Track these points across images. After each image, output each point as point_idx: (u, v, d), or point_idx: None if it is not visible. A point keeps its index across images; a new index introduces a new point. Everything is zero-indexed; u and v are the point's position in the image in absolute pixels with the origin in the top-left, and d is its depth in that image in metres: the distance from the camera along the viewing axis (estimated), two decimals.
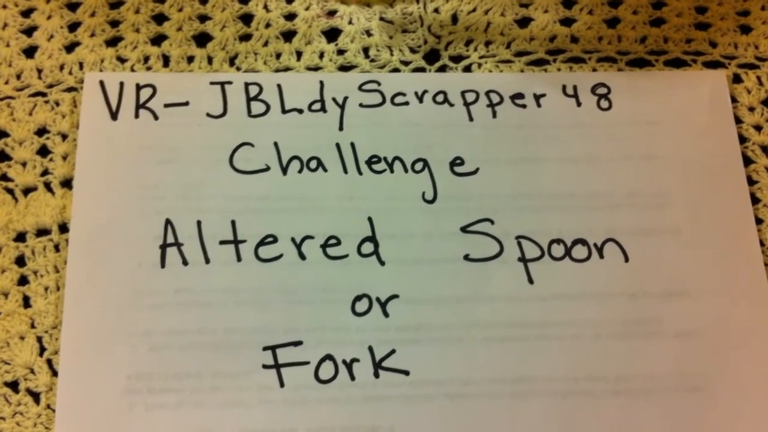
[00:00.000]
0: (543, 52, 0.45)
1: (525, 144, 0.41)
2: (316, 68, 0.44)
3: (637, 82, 0.43)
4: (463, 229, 0.39)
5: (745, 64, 0.45)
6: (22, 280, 0.40)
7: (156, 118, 0.42)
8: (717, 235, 0.40)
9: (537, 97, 0.42)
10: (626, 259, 0.39)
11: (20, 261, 0.40)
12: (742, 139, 0.43)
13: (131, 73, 0.44)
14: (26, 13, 0.45)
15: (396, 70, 0.44)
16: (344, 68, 0.44)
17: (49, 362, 0.38)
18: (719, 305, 0.39)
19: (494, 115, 0.42)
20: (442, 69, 0.44)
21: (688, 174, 0.41)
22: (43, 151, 0.42)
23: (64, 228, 0.40)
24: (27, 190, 0.41)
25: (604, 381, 0.37)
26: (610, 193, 0.40)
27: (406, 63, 0.44)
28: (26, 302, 0.39)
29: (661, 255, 0.39)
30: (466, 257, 0.39)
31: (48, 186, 0.41)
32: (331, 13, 0.45)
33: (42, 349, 0.38)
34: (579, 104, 0.42)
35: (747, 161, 0.42)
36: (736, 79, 0.44)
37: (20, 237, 0.40)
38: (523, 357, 0.37)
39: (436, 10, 0.46)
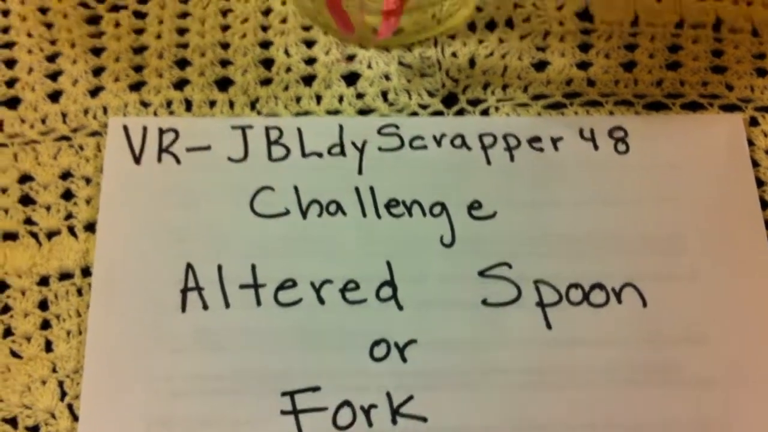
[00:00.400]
0: (560, 96, 0.45)
1: (543, 187, 0.41)
2: (336, 112, 0.44)
3: (654, 125, 0.43)
4: (481, 273, 0.39)
5: (762, 107, 0.44)
6: (45, 324, 0.39)
7: (178, 162, 0.42)
8: (735, 279, 0.39)
9: (554, 141, 0.42)
10: (644, 305, 0.39)
11: (43, 305, 0.39)
12: (759, 183, 0.42)
13: (154, 118, 0.44)
14: (51, 58, 0.46)
15: (414, 113, 0.44)
16: (363, 112, 0.44)
17: (70, 407, 0.38)
18: (738, 351, 0.38)
19: (512, 158, 0.42)
20: (460, 112, 0.44)
21: (705, 218, 0.40)
22: (67, 195, 0.42)
23: (86, 272, 0.40)
24: (51, 234, 0.41)
25: (623, 428, 0.37)
26: (628, 237, 0.40)
27: (424, 107, 0.44)
28: (48, 346, 0.39)
29: (679, 300, 0.39)
30: (484, 302, 0.39)
31: (71, 230, 0.41)
32: (350, 58, 0.45)
33: (63, 394, 0.38)
34: (596, 147, 0.42)
35: (764, 205, 0.42)
36: (753, 122, 0.44)
37: (43, 281, 0.40)
38: (541, 403, 0.37)
39: (454, 54, 0.46)
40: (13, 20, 0.47)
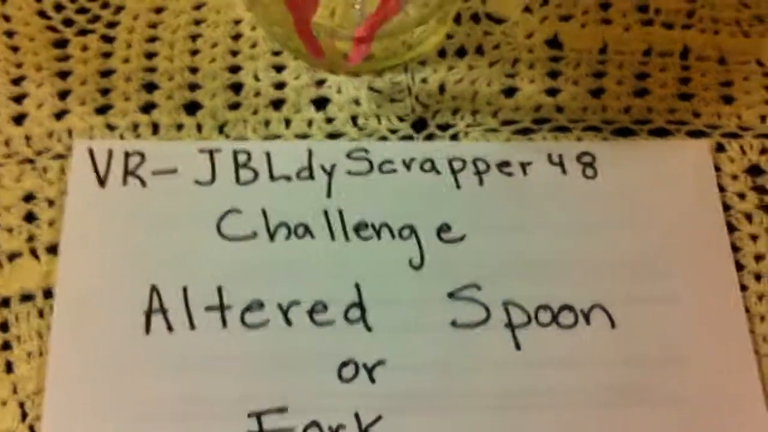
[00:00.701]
0: (529, 122, 0.45)
1: (512, 211, 0.42)
2: (305, 136, 0.45)
3: (622, 151, 0.44)
4: (450, 295, 0.39)
5: (728, 134, 0.45)
6: (5, 346, 0.39)
7: (144, 185, 0.42)
8: (703, 302, 0.40)
9: (523, 166, 0.43)
10: (613, 326, 0.39)
11: (3, 327, 0.39)
12: (726, 207, 0.43)
13: (120, 141, 0.44)
14: (16, 81, 0.45)
15: (384, 138, 0.44)
16: (333, 136, 0.45)
17: (31, 429, 0.38)
18: (707, 372, 0.38)
19: (481, 182, 0.42)
20: (430, 137, 0.45)
21: (673, 242, 0.41)
22: (29, 217, 0.42)
23: (48, 293, 0.40)
24: (12, 256, 0.41)
25: None
26: (597, 261, 0.40)
27: (393, 131, 0.45)
28: (8, 367, 0.38)
29: (647, 321, 0.39)
30: (453, 323, 0.39)
31: (33, 252, 0.41)
32: (320, 83, 0.46)
33: (24, 415, 0.38)
34: (565, 172, 0.43)
35: (731, 228, 0.42)
36: (720, 148, 0.45)
37: (4, 302, 0.40)
38: (511, 426, 0.37)
39: (424, 80, 0.46)
40: None
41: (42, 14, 0.48)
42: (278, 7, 0.43)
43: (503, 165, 0.43)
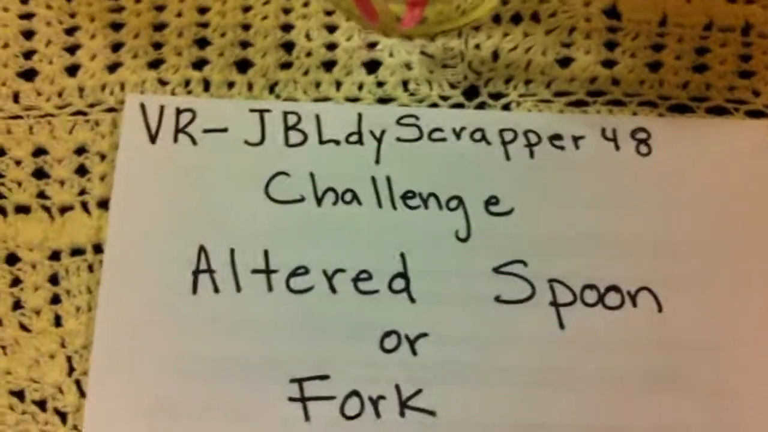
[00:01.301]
0: (583, 94, 0.45)
1: (562, 186, 0.42)
2: (355, 99, 0.45)
3: (678, 128, 0.43)
4: (496, 270, 0.40)
5: None
6: (55, 299, 0.40)
7: (194, 143, 0.42)
8: (752, 287, 0.40)
9: (575, 139, 0.43)
10: (660, 309, 0.39)
11: (53, 279, 0.40)
12: None
13: (172, 97, 0.44)
14: (70, 31, 0.46)
15: (435, 104, 0.45)
16: (383, 100, 0.45)
17: (77, 383, 0.39)
18: (752, 359, 0.38)
19: (532, 155, 0.42)
20: (481, 106, 0.45)
21: (725, 224, 0.41)
22: (81, 171, 0.43)
23: (98, 248, 0.41)
24: (63, 209, 0.42)
25: None
26: (646, 240, 0.41)
27: (445, 98, 0.45)
28: (57, 321, 0.40)
29: (694, 306, 0.39)
30: (497, 299, 0.39)
31: (84, 206, 0.42)
32: (372, 45, 0.46)
33: (71, 369, 0.39)
34: (618, 148, 0.43)
35: None
36: None
37: (54, 255, 0.41)
38: (551, 403, 0.38)
39: (477, 47, 0.46)
40: None
41: None
42: None
43: (555, 138, 0.43)
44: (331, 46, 0.47)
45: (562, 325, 0.39)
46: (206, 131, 0.43)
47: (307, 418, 0.37)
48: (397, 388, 0.38)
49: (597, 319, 0.39)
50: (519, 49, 0.47)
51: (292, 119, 0.43)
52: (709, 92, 0.46)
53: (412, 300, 0.39)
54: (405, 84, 0.46)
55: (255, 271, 0.40)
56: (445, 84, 0.46)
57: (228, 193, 0.41)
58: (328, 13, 0.48)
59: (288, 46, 0.47)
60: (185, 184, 0.41)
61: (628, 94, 0.46)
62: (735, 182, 0.42)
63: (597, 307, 0.39)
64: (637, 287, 0.40)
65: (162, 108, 0.43)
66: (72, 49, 0.46)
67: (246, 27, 0.47)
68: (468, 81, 0.46)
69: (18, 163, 0.43)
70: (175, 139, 0.43)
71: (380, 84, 0.46)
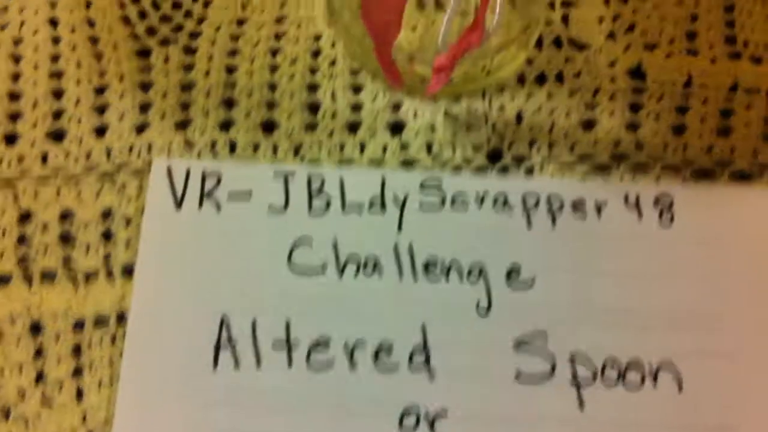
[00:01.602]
0: (607, 157, 0.44)
1: (583, 257, 0.40)
2: (379, 162, 0.43)
3: (702, 197, 0.42)
4: (516, 344, 0.38)
5: None
6: (77, 371, 0.39)
7: (219, 209, 0.41)
8: None
9: (598, 207, 0.41)
10: (680, 389, 0.37)
11: (76, 350, 0.39)
12: None
13: (198, 161, 0.43)
14: (99, 90, 0.45)
15: (458, 167, 0.43)
16: (406, 162, 0.44)
17: None
18: None
19: (554, 223, 0.41)
20: (504, 169, 0.43)
21: (748, 296, 0.39)
22: (107, 236, 0.42)
23: (121, 318, 0.40)
24: (88, 276, 0.41)
25: None
26: (668, 313, 0.39)
27: (468, 161, 0.43)
28: (79, 395, 0.39)
29: (716, 383, 0.37)
30: (518, 376, 0.38)
31: (109, 273, 0.41)
32: (397, 106, 0.44)
33: None
34: (641, 216, 0.41)
35: None
36: None
37: (78, 325, 0.40)
38: None
39: (501, 108, 0.44)
40: (64, 48, 0.46)
41: (126, 21, 0.47)
42: (358, 26, 0.42)
43: (578, 204, 0.42)
44: (356, 107, 0.45)
45: (582, 406, 0.37)
46: (231, 195, 0.42)
47: None
48: None
49: (617, 400, 0.38)
50: (543, 111, 0.45)
51: (315, 183, 0.42)
52: (733, 156, 0.44)
53: (432, 376, 0.38)
54: (429, 146, 0.44)
55: (276, 344, 0.38)
56: (468, 147, 0.44)
57: (252, 261, 0.40)
58: (354, 72, 0.46)
59: (313, 107, 0.45)
60: (209, 251, 0.40)
61: (652, 158, 0.44)
62: (761, 252, 0.40)
63: (617, 388, 0.38)
64: (659, 362, 0.38)
65: (188, 171, 0.42)
66: (101, 109, 0.45)
67: (272, 86, 0.46)
68: (491, 144, 0.44)
69: (45, 227, 0.42)
70: (200, 205, 0.41)
71: (404, 146, 0.44)
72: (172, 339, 0.39)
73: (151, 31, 0.48)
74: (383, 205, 0.42)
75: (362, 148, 0.45)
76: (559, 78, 0.46)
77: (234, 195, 0.42)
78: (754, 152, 0.44)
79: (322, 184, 0.43)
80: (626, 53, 0.47)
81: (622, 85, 0.46)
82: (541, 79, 0.46)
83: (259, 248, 0.41)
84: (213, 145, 0.44)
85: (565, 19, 0.47)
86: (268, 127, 0.45)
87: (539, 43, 0.47)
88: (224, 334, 0.39)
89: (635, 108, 0.46)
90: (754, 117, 0.45)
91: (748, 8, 0.47)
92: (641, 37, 0.47)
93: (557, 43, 0.47)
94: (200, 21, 0.48)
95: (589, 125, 0.45)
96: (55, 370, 0.40)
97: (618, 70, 0.46)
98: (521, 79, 0.46)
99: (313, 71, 0.47)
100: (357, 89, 0.46)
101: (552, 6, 0.48)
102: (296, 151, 0.44)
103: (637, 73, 0.46)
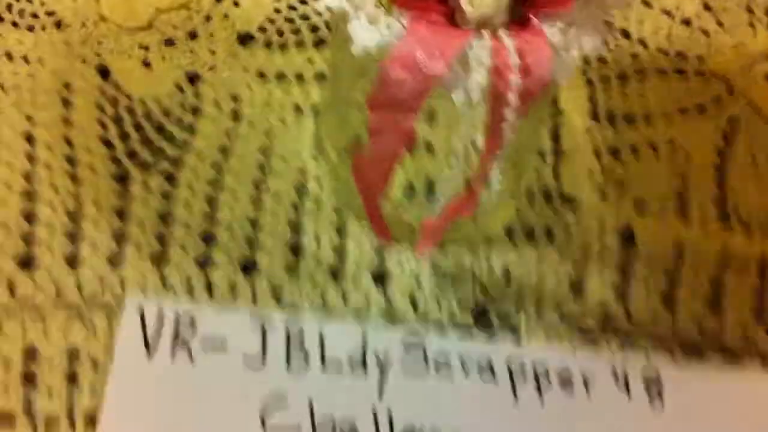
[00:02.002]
0: (595, 325, 0.41)
1: None
2: (361, 313, 0.41)
3: (692, 377, 0.40)
4: None
5: None
6: None
7: (192, 360, 0.38)
8: None
9: (586, 381, 0.39)
10: None
11: None
12: None
13: (172, 304, 0.41)
14: (74, 215, 0.42)
15: (443, 325, 0.40)
16: (390, 316, 0.41)
17: None
18: None
19: (541, 398, 0.39)
20: (490, 329, 0.41)
21: None
22: (71, 377, 0.38)
23: None
24: (49, 421, 0.37)
25: None
26: None
27: (453, 319, 0.41)
28: None
29: None
30: None
31: (71, 420, 0.37)
32: (382, 251, 0.42)
33: None
34: (629, 396, 0.39)
35: None
36: None
37: None
38: None
39: (489, 263, 0.42)
40: (39, 168, 0.43)
41: (106, 142, 0.44)
42: (345, 167, 0.40)
43: (565, 377, 0.39)
44: (340, 251, 0.43)
45: None
46: (205, 343, 0.39)
47: None
48: None
49: None
50: (531, 270, 0.43)
51: (295, 336, 0.39)
52: (723, 332, 0.42)
53: None
54: (413, 300, 0.42)
55: None
56: (454, 303, 0.42)
57: (224, 420, 0.37)
58: (339, 213, 0.44)
59: (296, 249, 0.42)
60: (179, 407, 0.38)
61: (641, 329, 0.42)
62: None
63: None
64: None
65: (161, 313, 0.40)
66: (74, 237, 0.42)
67: (254, 223, 0.43)
68: (478, 302, 0.42)
69: (6, 363, 0.38)
70: (173, 354, 0.39)
71: (388, 298, 0.41)
72: None
73: (131, 155, 0.45)
74: (364, 364, 0.39)
75: (345, 297, 0.42)
76: (549, 234, 0.44)
77: (209, 342, 0.40)
78: (744, 329, 0.42)
79: (302, 337, 0.40)
80: (616, 212, 0.45)
81: (612, 247, 0.44)
82: (530, 234, 0.44)
83: (232, 405, 0.38)
84: (189, 282, 0.41)
85: (555, 171, 0.45)
86: (248, 267, 0.42)
87: (529, 196, 0.45)
88: None
89: (625, 273, 0.43)
90: (745, 290, 0.43)
91: (739, 173, 0.46)
92: (631, 195, 0.45)
93: (547, 196, 0.45)
94: (183, 147, 0.45)
95: (577, 288, 0.43)
96: None
97: (608, 230, 0.45)
98: (509, 232, 0.44)
99: (296, 208, 0.44)
100: (341, 230, 0.44)
101: (543, 157, 0.46)
102: (275, 295, 0.42)
103: (627, 235, 0.44)
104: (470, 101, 0.29)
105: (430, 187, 0.43)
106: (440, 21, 0.29)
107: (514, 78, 0.28)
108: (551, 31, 0.30)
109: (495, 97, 0.29)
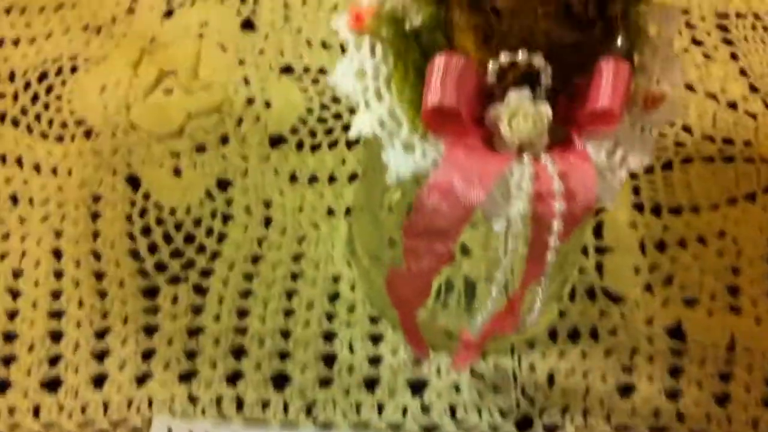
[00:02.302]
0: (645, 429, 0.38)
1: None
2: (398, 426, 0.38)
3: None
4: None
5: None
6: None
7: None
8: None
9: None
10: None
11: None
12: None
13: (201, 422, 0.38)
14: (100, 334, 0.40)
15: None
16: (427, 429, 0.38)
17: None
18: None
19: None
20: None
21: None
22: None
23: None
24: None
25: None
26: None
27: (495, 429, 0.38)
28: None
29: None
30: None
31: None
32: (419, 360, 0.39)
33: None
34: None
35: None
36: None
37: None
38: None
39: (532, 368, 0.40)
40: (66, 284, 0.42)
41: (134, 254, 0.43)
42: (379, 273, 0.39)
43: None
44: (375, 360, 0.40)
45: None
46: None
47: None
48: None
49: None
50: (576, 373, 0.40)
51: None
52: None
53: None
54: (452, 409, 0.39)
55: None
56: (495, 411, 0.40)
57: None
58: (374, 320, 0.41)
59: (329, 359, 0.40)
60: None
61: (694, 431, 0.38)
62: None
63: None
64: None
65: None
66: (101, 356, 0.40)
67: (286, 334, 0.41)
68: (521, 409, 0.39)
69: None
70: None
71: (425, 408, 0.39)
72: None
73: (160, 267, 0.43)
74: None
75: (380, 409, 0.40)
76: (594, 334, 0.42)
77: None
78: None
79: None
80: (664, 309, 0.42)
81: (661, 346, 0.42)
82: (574, 335, 0.42)
83: None
84: (219, 401, 0.40)
85: (599, 268, 0.43)
86: (279, 381, 0.40)
87: (572, 294, 0.42)
88: None
89: (675, 372, 0.41)
90: None
91: None
92: (680, 290, 0.43)
93: (591, 293, 0.42)
94: (214, 256, 0.43)
95: (626, 391, 0.40)
96: None
97: (656, 328, 0.42)
98: (553, 334, 0.42)
99: (330, 317, 0.42)
100: (376, 339, 0.41)
101: (585, 252, 0.43)
102: (308, 410, 0.40)
103: (676, 332, 0.42)
104: (511, 229, 0.27)
105: (468, 291, 0.40)
106: (478, 145, 0.28)
107: (558, 204, 0.26)
108: (596, 152, 0.28)
109: (537, 224, 0.27)
